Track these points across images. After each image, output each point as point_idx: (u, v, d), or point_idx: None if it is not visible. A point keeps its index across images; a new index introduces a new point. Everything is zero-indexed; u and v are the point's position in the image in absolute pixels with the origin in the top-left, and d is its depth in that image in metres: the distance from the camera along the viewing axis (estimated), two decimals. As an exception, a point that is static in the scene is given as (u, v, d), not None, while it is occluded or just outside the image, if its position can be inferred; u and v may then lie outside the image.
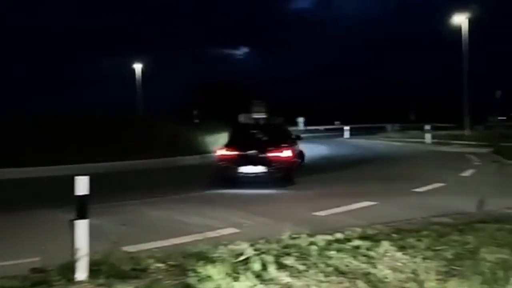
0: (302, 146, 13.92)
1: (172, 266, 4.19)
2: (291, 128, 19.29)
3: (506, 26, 67.34)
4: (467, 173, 12.88)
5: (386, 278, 3.75)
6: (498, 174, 13.10)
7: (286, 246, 4.69)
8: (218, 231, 5.94)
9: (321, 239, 4.95)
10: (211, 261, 4.07)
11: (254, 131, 12.02)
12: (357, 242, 4.83)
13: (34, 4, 79.53)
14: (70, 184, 4.05)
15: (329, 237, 5.10)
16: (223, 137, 22.22)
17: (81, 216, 3.98)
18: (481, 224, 5.68)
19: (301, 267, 4.03)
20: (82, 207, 3.99)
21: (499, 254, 4.26)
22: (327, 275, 3.86)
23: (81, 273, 3.85)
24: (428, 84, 64.14)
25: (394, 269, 3.94)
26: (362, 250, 4.53)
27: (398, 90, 65.45)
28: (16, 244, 5.59)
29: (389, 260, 4.24)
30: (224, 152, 11.15)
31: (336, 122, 46.39)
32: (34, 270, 4.08)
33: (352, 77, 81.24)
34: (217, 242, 4.87)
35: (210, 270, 3.77)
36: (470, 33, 31.55)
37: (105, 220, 6.55)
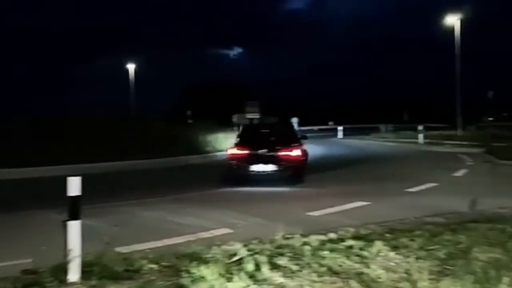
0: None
1: (165, 267, 4.18)
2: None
3: (498, 27, 67.85)
4: (460, 173, 12.96)
5: (379, 278, 3.76)
6: (490, 174, 13.20)
7: (279, 246, 4.69)
8: (212, 231, 5.93)
9: (314, 239, 4.95)
10: (204, 261, 4.06)
11: (264, 131, 12.52)
12: (350, 242, 4.83)
13: (34, 4, 79.35)
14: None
15: (322, 237, 5.10)
16: (223, 137, 22.36)
17: (74, 217, 3.95)
18: (474, 224, 5.71)
19: (295, 267, 4.03)
20: (74, 208, 3.96)
21: (491, 253, 4.29)
22: (320, 275, 3.86)
23: (74, 274, 3.83)
24: (422, 84, 64.53)
25: (387, 269, 3.95)
26: (355, 250, 4.54)
27: (392, 90, 65.87)
28: (10, 245, 5.54)
29: (382, 260, 4.25)
30: (235, 151, 11.37)
31: (330, 123, 46.51)
32: (26, 272, 4.04)
33: (346, 77, 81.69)
34: (210, 242, 4.86)
35: (204, 270, 3.76)
36: (463, 34, 31.77)
37: (98, 220, 6.52)
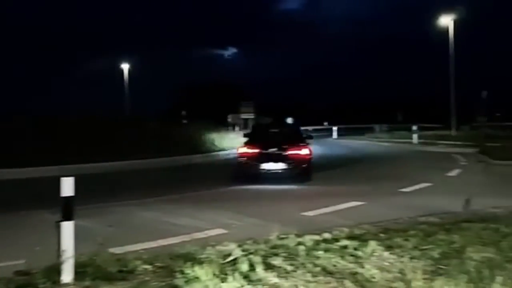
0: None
1: (160, 267, 4.17)
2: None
3: (493, 27, 68.21)
4: (454, 173, 13.01)
5: (373, 277, 3.76)
6: (484, 174, 13.27)
7: (274, 247, 4.69)
8: (206, 232, 5.92)
9: (309, 239, 4.96)
10: (198, 262, 4.05)
11: (273, 130, 13.17)
12: (344, 242, 4.84)
13: (34, 4, 78.88)
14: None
15: (317, 237, 5.11)
16: (218, 137, 22.37)
17: (67, 218, 3.93)
18: (467, 224, 5.74)
19: (289, 267, 4.03)
20: (67, 209, 3.95)
21: (485, 253, 4.31)
22: (314, 275, 3.86)
23: (67, 275, 3.81)
24: (416, 84, 64.65)
25: (381, 269, 3.96)
26: (350, 250, 4.55)
27: (386, 90, 66.00)
28: (3, 246, 5.49)
29: (376, 259, 4.26)
30: (245, 150, 11.67)
31: (325, 123, 46.57)
32: (19, 273, 4.02)
33: (341, 78, 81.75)
34: (204, 243, 4.85)
35: (198, 271, 3.76)
36: (457, 34, 31.93)
37: (93, 221, 6.50)
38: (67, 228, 3.92)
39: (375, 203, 8.17)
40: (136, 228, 6.48)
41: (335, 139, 36.73)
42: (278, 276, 3.81)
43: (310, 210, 7.43)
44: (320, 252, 4.47)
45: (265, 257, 4.23)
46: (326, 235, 5.26)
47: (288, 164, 11.18)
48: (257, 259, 4.11)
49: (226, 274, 3.76)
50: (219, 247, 4.65)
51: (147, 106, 52.42)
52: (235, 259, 4.16)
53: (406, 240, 4.96)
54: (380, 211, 7.36)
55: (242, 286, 3.58)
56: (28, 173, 12.76)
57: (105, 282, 3.75)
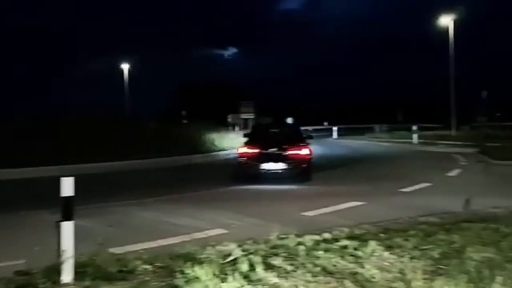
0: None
1: (159, 267, 4.16)
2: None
3: (493, 27, 68.22)
4: (454, 173, 13.01)
5: (374, 277, 3.76)
6: (484, 174, 13.27)
7: (274, 247, 4.69)
8: (206, 232, 5.92)
9: (309, 239, 4.95)
10: (198, 262, 4.05)
11: (273, 130, 13.19)
12: (344, 242, 4.84)
13: (34, 4, 78.96)
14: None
15: (317, 237, 5.10)
16: (218, 137, 22.37)
17: (67, 218, 3.93)
18: (467, 224, 5.74)
19: (289, 267, 4.03)
20: (67, 209, 3.95)
21: (485, 253, 4.31)
22: (314, 275, 3.86)
23: (67, 275, 3.81)
24: (416, 84, 64.66)
25: (381, 269, 3.96)
26: (350, 250, 4.55)
27: (386, 90, 66.02)
28: (3, 246, 5.49)
29: (376, 259, 4.26)
30: (245, 149, 11.67)
31: (325, 123, 46.56)
32: (19, 273, 4.02)
33: (341, 78, 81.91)
34: (204, 243, 4.85)
35: (198, 271, 3.76)
36: (457, 34, 31.93)
37: (93, 221, 6.50)
38: (67, 228, 3.92)
39: (375, 203, 8.17)
40: (136, 228, 6.48)
41: (335, 139, 36.73)
42: (278, 276, 3.81)
43: (310, 210, 7.43)
44: (320, 252, 4.46)
45: (265, 257, 4.23)
46: (326, 235, 5.25)
47: (288, 164, 11.18)
48: (257, 259, 4.11)
49: (226, 274, 3.76)
50: (219, 247, 4.65)
51: (147, 106, 52.50)
52: (235, 259, 4.15)
53: (406, 240, 4.95)
54: (380, 211, 7.36)
55: (242, 286, 3.58)
56: (28, 173, 12.76)
57: (105, 282, 3.75)
